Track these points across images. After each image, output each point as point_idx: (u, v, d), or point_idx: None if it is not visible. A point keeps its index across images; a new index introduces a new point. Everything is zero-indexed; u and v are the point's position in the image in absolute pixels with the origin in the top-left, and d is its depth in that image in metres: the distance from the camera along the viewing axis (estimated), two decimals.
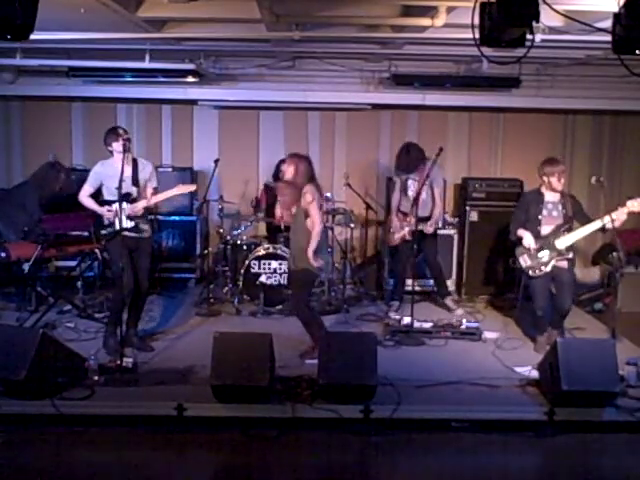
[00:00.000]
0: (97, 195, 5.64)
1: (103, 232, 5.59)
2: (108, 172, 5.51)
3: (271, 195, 7.39)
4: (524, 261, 5.82)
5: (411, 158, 6.81)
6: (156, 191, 5.77)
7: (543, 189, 5.81)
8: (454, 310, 7.06)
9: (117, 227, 5.46)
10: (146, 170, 5.71)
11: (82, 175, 5.91)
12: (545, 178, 5.75)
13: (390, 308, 7.03)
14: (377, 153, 8.42)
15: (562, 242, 5.74)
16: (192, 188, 6.11)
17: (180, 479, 4.14)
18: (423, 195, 6.60)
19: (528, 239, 5.78)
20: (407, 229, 6.74)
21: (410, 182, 6.86)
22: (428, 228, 6.80)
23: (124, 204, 5.42)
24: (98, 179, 5.57)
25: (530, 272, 5.80)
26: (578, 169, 8.20)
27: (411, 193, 6.81)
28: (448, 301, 7.17)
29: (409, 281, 7.02)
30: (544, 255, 5.73)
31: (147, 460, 4.28)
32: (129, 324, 5.71)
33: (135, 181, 5.56)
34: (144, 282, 5.77)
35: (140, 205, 5.60)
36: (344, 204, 7.73)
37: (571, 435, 4.55)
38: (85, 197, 5.59)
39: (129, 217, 5.52)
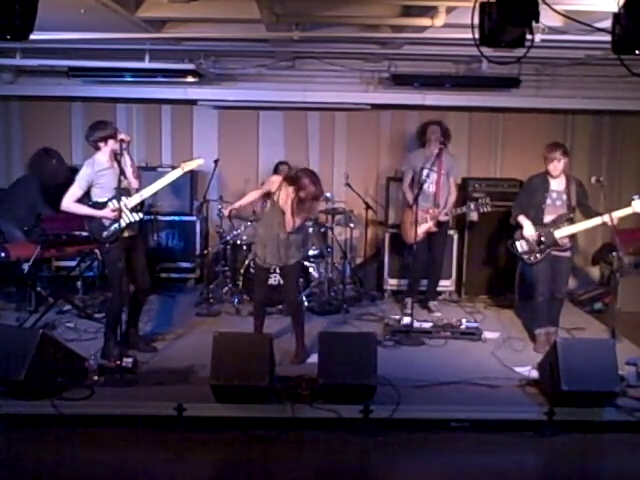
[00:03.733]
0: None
1: (106, 233, 5.30)
2: (98, 170, 5.26)
3: None
4: (521, 246, 5.88)
5: (445, 132, 6.87)
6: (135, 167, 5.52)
7: (549, 175, 5.84)
8: (434, 312, 7.02)
9: (124, 224, 5.28)
10: (124, 155, 5.39)
11: None
12: (545, 162, 5.82)
13: (404, 306, 6.93)
14: (377, 153, 8.42)
15: (561, 233, 5.77)
16: (199, 162, 5.68)
17: (180, 479, 4.14)
18: (441, 189, 6.77)
19: (528, 229, 5.81)
20: (432, 222, 6.72)
21: (425, 172, 6.63)
22: (443, 216, 6.78)
23: (125, 199, 5.30)
24: (90, 181, 5.27)
25: (525, 257, 5.87)
26: (578, 169, 8.17)
27: (427, 186, 6.68)
28: (432, 303, 7.15)
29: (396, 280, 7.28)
30: (542, 244, 5.78)
31: (147, 460, 4.28)
32: (130, 325, 5.68)
33: (123, 172, 5.33)
34: (146, 280, 5.67)
35: (136, 199, 5.38)
36: (344, 204, 7.73)
37: (571, 435, 4.55)
38: (72, 203, 5.25)
39: (131, 210, 5.37)
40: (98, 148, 5.32)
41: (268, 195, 5.62)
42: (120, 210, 5.27)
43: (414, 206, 6.38)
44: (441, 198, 6.81)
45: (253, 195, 5.84)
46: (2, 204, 7.17)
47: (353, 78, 7.87)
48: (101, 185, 5.29)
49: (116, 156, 5.30)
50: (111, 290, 5.57)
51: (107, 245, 5.35)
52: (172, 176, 5.59)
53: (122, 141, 5.22)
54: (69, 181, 5.50)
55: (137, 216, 5.41)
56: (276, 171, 7.56)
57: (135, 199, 5.42)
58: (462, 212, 6.95)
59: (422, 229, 6.67)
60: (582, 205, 5.86)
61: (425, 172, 6.64)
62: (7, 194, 7.34)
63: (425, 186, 6.65)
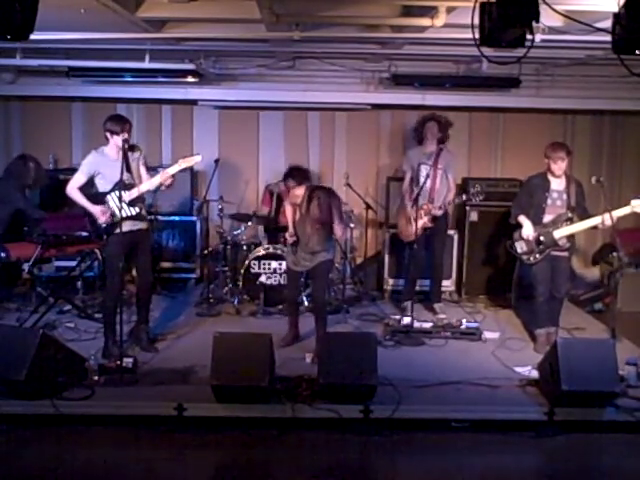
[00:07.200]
0: (85, 188, 5.48)
1: (104, 225, 5.41)
2: (103, 161, 5.38)
3: (276, 199, 7.45)
4: (520, 247, 5.87)
5: (443, 127, 6.81)
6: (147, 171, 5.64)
7: (549, 175, 5.83)
8: (438, 314, 6.98)
9: (119, 216, 5.27)
10: (135, 154, 5.56)
11: None
12: (547, 160, 5.81)
13: (404, 310, 6.86)
14: (377, 153, 8.42)
15: (560, 233, 5.76)
16: (197, 159, 5.73)
17: (180, 479, 4.14)
18: (438, 184, 6.71)
19: (527, 229, 5.81)
20: (426, 217, 6.66)
21: (422, 167, 6.69)
22: (437, 210, 6.72)
23: (124, 193, 5.29)
24: (93, 168, 5.39)
25: (525, 258, 5.87)
26: (578, 169, 8.17)
27: (422, 179, 6.63)
28: (437, 305, 7.12)
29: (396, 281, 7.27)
30: (541, 244, 5.77)
31: (147, 460, 4.28)
32: (140, 320, 5.77)
33: (128, 167, 5.37)
34: (148, 276, 5.73)
35: (135, 193, 5.44)
36: (344, 204, 7.72)
37: (571, 435, 4.55)
38: (75, 190, 5.38)
39: (130, 204, 5.40)
40: (107, 139, 5.42)
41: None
42: (111, 214, 5.37)
43: (414, 206, 6.38)
44: (436, 194, 6.75)
45: (289, 210, 5.97)
46: None
47: (353, 78, 7.87)
48: (104, 176, 5.40)
49: (125, 153, 5.31)
50: (106, 287, 5.64)
51: (107, 239, 5.46)
52: (170, 171, 5.64)
53: (125, 141, 5.28)
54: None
55: (133, 211, 5.46)
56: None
57: (133, 192, 5.46)
58: (457, 202, 6.89)
59: (418, 225, 6.62)
60: (579, 206, 5.84)
61: (422, 167, 6.65)
62: None
63: (420, 180, 6.65)
